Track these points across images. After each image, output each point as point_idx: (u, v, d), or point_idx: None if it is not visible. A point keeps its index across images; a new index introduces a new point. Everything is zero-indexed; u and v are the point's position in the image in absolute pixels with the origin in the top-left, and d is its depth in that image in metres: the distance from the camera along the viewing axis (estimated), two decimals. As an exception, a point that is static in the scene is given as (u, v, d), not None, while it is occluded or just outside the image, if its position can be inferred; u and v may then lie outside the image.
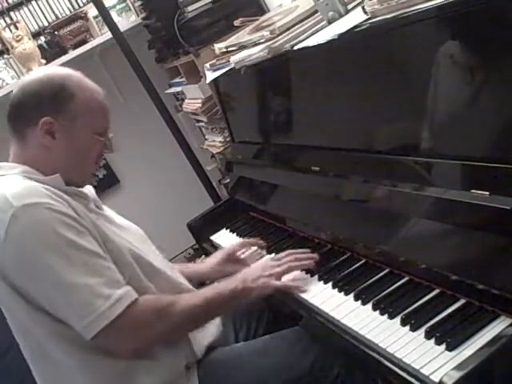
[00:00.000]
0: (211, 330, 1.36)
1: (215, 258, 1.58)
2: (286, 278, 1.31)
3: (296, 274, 1.33)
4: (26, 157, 1.26)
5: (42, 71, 1.31)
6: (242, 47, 1.82)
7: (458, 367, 0.83)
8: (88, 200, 1.31)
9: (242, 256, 1.58)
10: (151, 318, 1.17)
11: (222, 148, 2.54)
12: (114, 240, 1.23)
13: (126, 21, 2.98)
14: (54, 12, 3.07)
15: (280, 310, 1.52)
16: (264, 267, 1.32)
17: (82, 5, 3.10)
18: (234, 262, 1.55)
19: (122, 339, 1.16)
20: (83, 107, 1.26)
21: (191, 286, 1.42)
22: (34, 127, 1.24)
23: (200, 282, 1.62)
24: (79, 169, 1.30)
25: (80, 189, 1.30)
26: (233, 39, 1.97)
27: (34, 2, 3.04)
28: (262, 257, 1.56)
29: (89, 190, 1.37)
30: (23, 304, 1.16)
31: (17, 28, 2.89)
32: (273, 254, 1.50)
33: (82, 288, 1.12)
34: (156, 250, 1.41)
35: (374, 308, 1.09)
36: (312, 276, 1.31)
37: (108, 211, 1.40)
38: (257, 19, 2.05)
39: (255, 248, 1.60)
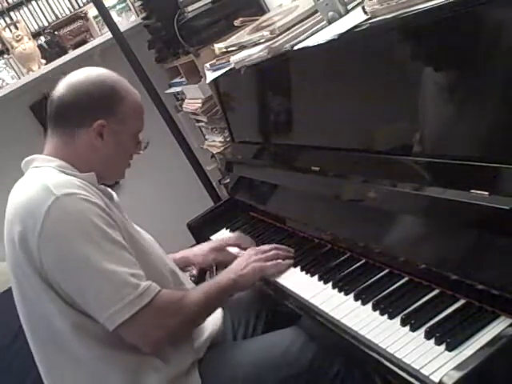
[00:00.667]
0: (211, 328, 1.37)
1: (203, 246, 1.66)
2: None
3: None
4: (67, 152, 1.30)
5: (90, 72, 1.33)
6: (242, 47, 1.82)
7: (457, 367, 0.83)
8: (113, 200, 1.37)
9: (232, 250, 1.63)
10: (171, 309, 1.21)
11: (221, 148, 2.54)
12: (138, 239, 1.30)
13: (125, 21, 2.99)
14: (54, 12, 3.08)
15: (278, 308, 1.53)
16: (248, 255, 1.40)
17: (82, 5, 3.11)
18: (222, 252, 1.63)
19: (145, 330, 1.18)
20: (130, 110, 1.32)
21: (192, 283, 1.46)
22: (87, 128, 1.29)
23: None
24: (117, 167, 1.39)
25: (109, 190, 1.37)
26: (233, 39, 1.97)
27: (33, 2, 3.05)
28: None
29: (114, 194, 1.43)
30: (51, 293, 1.18)
31: (17, 28, 2.89)
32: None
33: (113, 275, 1.15)
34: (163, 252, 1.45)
35: (374, 308, 1.09)
36: (312, 276, 1.31)
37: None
38: (257, 19, 2.05)
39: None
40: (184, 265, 1.62)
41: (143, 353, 1.20)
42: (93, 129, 1.28)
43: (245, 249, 1.55)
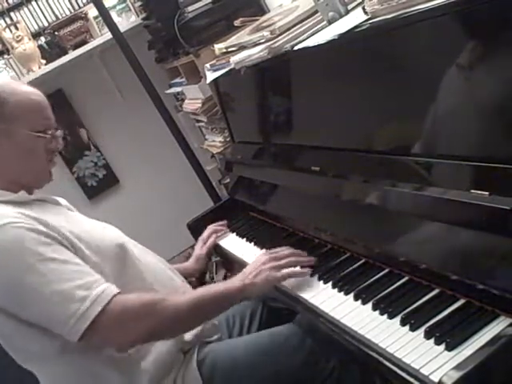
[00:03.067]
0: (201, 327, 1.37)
1: (194, 253, 1.73)
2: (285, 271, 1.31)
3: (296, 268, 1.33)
4: None
5: None
6: (242, 47, 1.82)
7: (457, 367, 0.83)
8: (58, 204, 1.35)
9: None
10: (135, 313, 1.18)
11: (221, 148, 2.54)
12: (92, 235, 1.28)
13: (126, 21, 2.99)
14: (54, 12, 3.08)
15: (273, 306, 1.53)
16: (263, 261, 1.31)
17: (82, 5, 3.10)
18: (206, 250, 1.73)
19: (107, 336, 1.17)
20: (17, 109, 1.29)
21: (186, 284, 1.45)
22: None
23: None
24: (32, 170, 1.33)
25: (51, 197, 1.34)
26: (233, 39, 1.97)
27: (34, 3, 3.04)
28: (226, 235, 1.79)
29: (59, 198, 1.41)
30: (13, 324, 1.19)
31: (17, 28, 2.89)
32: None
33: (56, 296, 1.14)
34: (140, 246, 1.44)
35: (374, 308, 1.09)
36: (312, 276, 1.31)
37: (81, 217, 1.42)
38: (257, 19, 2.05)
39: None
40: (189, 276, 1.64)
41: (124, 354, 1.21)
42: None
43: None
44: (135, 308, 1.18)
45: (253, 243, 1.66)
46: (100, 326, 1.14)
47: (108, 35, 2.77)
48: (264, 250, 1.57)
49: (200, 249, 1.74)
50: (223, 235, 1.82)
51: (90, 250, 1.24)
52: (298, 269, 1.30)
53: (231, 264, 1.76)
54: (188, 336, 1.32)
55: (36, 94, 1.33)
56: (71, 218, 1.33)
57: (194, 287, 1.48)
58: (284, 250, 1.35)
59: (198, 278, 2.39)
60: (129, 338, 1.18)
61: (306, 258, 1.33)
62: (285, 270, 1.29)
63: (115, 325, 1.16)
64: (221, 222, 1.84)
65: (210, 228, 1.81)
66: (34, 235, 1.17)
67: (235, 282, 1.28)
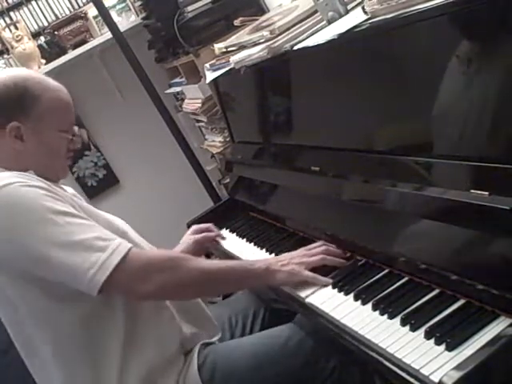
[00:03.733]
0: (214, 333, 1.39)
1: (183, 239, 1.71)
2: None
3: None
4: (1, 158, 1.28)
5: (3, 76, 1.31)
6: (242, 47, 1.82)
7: (457, 367, 0.83)
8: (66, 191, 1.35)
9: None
10: (157, 265, 1.19)
11: (221, 148, 2.54)
12: (99, 215, 1.28)
13: (125, 21, 2.98)
14: (53, 12, 3.08)
15: (275, 307, 1.53)
16: (296, 255, 1.31)
17: (81, 5, 3.10)
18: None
19: (128, 283, 1.17)
20: (48, 108, 1.29)
21: None
22: (3, 132, 1.27)
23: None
24: (51, 166, 1.33)
25: (61, 186, 1.34)
26: (232, 39, 1.97)
27: (33, 2, 3.04)
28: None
29: (68, 188, 1.41)
30: (10, 281, 1.18)
31: (17, 28, 2.89)
32: (273, 254, 1.51)
33: (76, 245, 1.14)
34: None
35: (374, 308, 1.09)
36: (312, 276, 1.31)
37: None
38: (256, 19, 2.05)
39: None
40: None
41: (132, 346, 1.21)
42: (8, 132, 1.26)
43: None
44: (159, 259, 1.21)
45: (253, 243, 1.66)
46: (121, 275, 1.14)
47: (108, 35, 2.77)
48: (263, 251, 1.57)
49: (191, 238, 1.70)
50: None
51: (98, 222, 1.24)
52: (322, 278, 1.25)
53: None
54: (187, 330, 1.32)
55: (64, 92, 1.34)
56: (78, 202, 1.33)
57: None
58: (319, 247, 1.32)
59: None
60: (150, 287, 1.17)
61: (340, 260, 1.29)
62: (310, 273, 1.26)
63: (137, 273, 1.16)
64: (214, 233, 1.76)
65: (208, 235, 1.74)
66: (44, 191, 1.18)
67: (262, 264, 1.28)
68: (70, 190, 1.43)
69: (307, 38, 1.48)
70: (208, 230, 1.75)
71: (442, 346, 0.91)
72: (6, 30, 2.92)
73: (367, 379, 1.21)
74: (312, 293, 1.24)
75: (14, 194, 1.16)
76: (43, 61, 2.90)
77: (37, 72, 1.34)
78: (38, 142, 1.29)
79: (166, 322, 1.30)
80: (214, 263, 1.27)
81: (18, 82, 1.28)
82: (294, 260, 1.28)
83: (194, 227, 1.76)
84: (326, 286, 1.24)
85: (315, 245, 1.34)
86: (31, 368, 1.30)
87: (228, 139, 2.35)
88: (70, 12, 3.07)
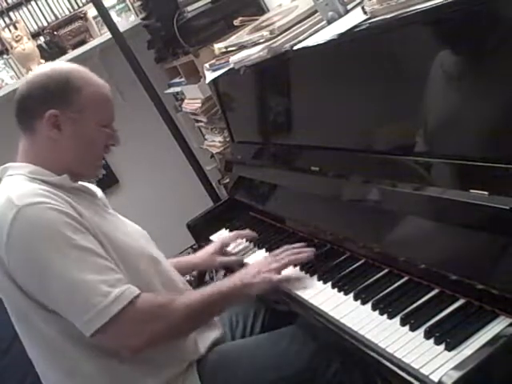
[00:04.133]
0: (215, 329, 1.38)
1: (207, 249, 1.63)
2: (284, 273, 1.32)
3: (294, 271, 1.34)
4: (34, 153, 1.29)
5: (48, 65, 1.33)
6: (242, 47, 1.82)
7: (457, 367, 0.83)
8: (95, 197, 1.35)
9: (234, 250, 1.64)
10: (151, 315, 1.18)
11: (221, 148, 2.54)
12: (120, 239, 1.26)
13: (125, 21, 2.98)
14: (53, 12, 3.08)
15: (275, 308, 1.53)
16: (262, 263, 1.33)
17: (81, 5, 3.10)
18: (224, 254, 1.62)
19: (122, 337, 1.16)
20: (89, 100, 1.29)
21: (188, 286, 1.44)
22: (41, 120, 1.27)
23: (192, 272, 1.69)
24: (86, 161, 1.33)
25: (89, 186, 1.34)
26: (232, 39, 1.97)
27: (33, 2, 3.04)
28: (253, 252, 1.61)
29: (97, 190, 1.41)
30: (31, 303, 1.18)
31: (16, 28, 2.89)
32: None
33: (81, 284, 1.13)
34: (158, 250, 1.43)
35: (374, 308, 1.09)
36: (311, 276, 1.31)
37: (114, 213, 1.42)
38: (256, 19, 2.05)
39: (246, 242, 1.65)
40: (191, 269, 1.63)
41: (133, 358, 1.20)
42: (45, 119, 1.26)
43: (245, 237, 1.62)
44: (151, 310, 1.18)
45: (252, 243, 1.66)
46: (116, 325, 1.13)
47: (107, 35, 2.77)
48: (263, 250, 1.57)
49: (214, 249, 1.63)
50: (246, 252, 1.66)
51: (115, 252, 1.23)
52: (294, 272, 1.31)
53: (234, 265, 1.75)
54: (203, 346, 1.32)
55: (106, 87, 1.34)
56: (105, 216, 1.32)
57: (194, 287, 1.48)
58: (283, 251, 1.36)
59: (197, 277, 2.40)
60: (143, 340, 1.17)
61: (305, 254, 1.33)
62: (281, 276, 1.30)
63: (131, 326, 1.15)
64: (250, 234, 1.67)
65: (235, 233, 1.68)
66: (68, 220, 1.17)
67: (236, 281, 1.28)
68: (99, 193, 1.42)
69: (307, 38, 1.48)
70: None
71: (442, 346, 0.91)
72: (6, 30, 2.92)
73: (369, 383, 1.21)
74: (312, 293, 1.25)
75: (36, 215, 1.15)
76: (43, 61, 2.89)
77: (82, 67, 1.34)
78: (76, 133, 1.28)
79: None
80: (198, 296, 1.25)
81: (60, 73, 1.29)
82: (263, 269, 1.30)
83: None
84: (325, 286, 1.24)
85: (279, 250, 1.37)
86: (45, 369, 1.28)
87: (228, 139, 2.34)
88: (70, 12, 3.07)
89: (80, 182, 1.33)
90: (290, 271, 1.33)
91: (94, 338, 1.14)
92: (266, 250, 1.57)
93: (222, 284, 1.30)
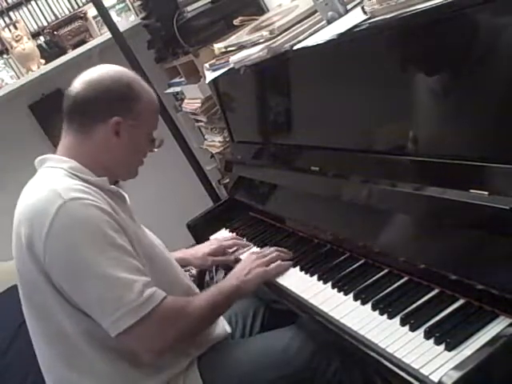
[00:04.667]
0: (217, 328, 1.39)
1: (203, 249, 1.65)
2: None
3: (294, 271, 1.38)
4: (80, 151, 1.30)
5: (107, 68, 1.34)
6: (242, 47, 1.82)
7: (457, 367, 0.83)
8: (126, 203, 1.38)
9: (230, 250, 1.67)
10: (175, 317, 1.20)
11: (221, 148, 2.54)
12: (147, 243, 1.31)
13: (125, 21, 2.98)
14: (53, 12, 3.08)
15: (275, 307, 1.53)
16: (250, 260, 1.39)
17: (81, 5, 3.10)
18: (222, 254, 1.65)
19: (147, 339, 1.17)
20: (146, 108, 1.33)
21: (197, 290, 1.46)
22: (103, 125, 1.28)
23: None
24: (130, 165, 1.37)
25: (121, 191, 1.36)
26: (232, 39, 1.97)
27: (33, 2, 3.04)
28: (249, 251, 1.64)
29: (126, 196, 1.43)
30: (58, 297, 1.19)
31: (16, 28, 2.89)
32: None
33: (116, 281, 1.15)
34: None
35: (374, 308, 1.09)
36: (311, 276, 1.31)
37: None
38: (256, 19, 2.05)
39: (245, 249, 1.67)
40: (183, 264, 1.62)
41: (142, 360, 1.21)
42: (110, 125, 1.28)
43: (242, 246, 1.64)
44: (175, 312, 1.21)
45: (252, 243, 1.66)
46: (143, 326, 1.14)
47: (107, 35, 2.77)
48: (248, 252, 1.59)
49: (210, 250, 1.65)
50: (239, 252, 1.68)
51: (144, 256, 1.25)
52: (284, 262, 1.39)
53: (230, 264, 1.75)
54: (204, 344, 1.34)
55: (153, 94, 1.38)
56: (134, 220, 1.35)
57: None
58: (267, 250, 1.45)
59: (197, 277, 2.39)
60: (166, 343, 1.19)
61: (287, 254, 1.43)
62: (272, 265, 1.38)
63: (157, 328, 1.17)
64: (245, 243, 1.69)
65: (233, 242, 1.69)
66: (108, 218, 1.19)
67: (232, 282, 1.32)
68: (127, 198, 1.43)
69: (307, 37, 1.48)
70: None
71: (442, 346, 0.91)
72: (6, 29, 2.92)
73: (369, 382, 1.21)
74: (312, 293, 1.25)
75: (79, 210, 1.17)
76: (42, 61, 2.90)
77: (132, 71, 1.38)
78: (130, 140, 1.31)
79: None
80: (205, 299, 1.28)
81: (123, 78, 1.31)
82: (253, 264, 1.37)
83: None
84: (325, 286, 1.25)
85: (264, 249, 1.48)
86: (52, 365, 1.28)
87: (228, 139, 2.34)
88: (70, 12, 3.07)
89: (112, 186, 1.34)
90: (277, 263, 1.40)
91: (118, 339, 1.15)
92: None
93: (223, 285, 1.33)
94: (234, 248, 1.66)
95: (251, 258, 1.41)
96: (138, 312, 1.14)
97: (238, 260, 1.58)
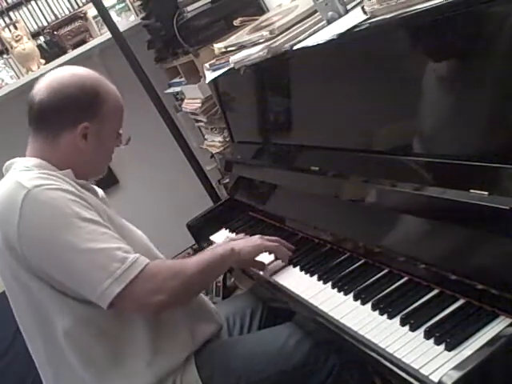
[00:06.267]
0: (211, 323, 1.40)
1: None
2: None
3: (293, 271, 1.38)
4: (47, 153, 1.31)
5: (71, 73, 1.34)
6: (242, 47, 1.82)
7: (457, 367, 0.83)
8: (97, 194, 1.39)
9: None
10: (166, 274, 1.22)
11: (221, 148, 2.54)
12: (125, 226, 1.34)
13: (125, 21, 2.98)
14: (53, 12, 3.08)
15: (272, 306, 1.53)
16: (253, 237, 1.43)
17: (81, 5, 3.10)
18: None
19: (143, 296, 1.18)
20: (112, 110, 1.36)
21: None
22: (71, 131, 1.30)
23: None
24: (98, 163, 1.40)
25: (93, 186, 1.39)
26: (232, 39, 1.97)
27: (33, 2, 3.04)
28: None
29: (99, 190, 1.45)
30: (46, 288, 1.20)
31: (16, 28, 2.89)
32: (272, 255, 1.51)
33: (98, 253, 1.16)
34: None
35: (374, 308, 1.09)
36: (311, 276, 1.31)
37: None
38: (256, 19, 2.05)
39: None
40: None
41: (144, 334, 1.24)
42: (77, 131, 1.30)
43: None
44: (166, 269, 1.23)
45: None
46: (136, 289, 1.16)
47: (107, 35, 2.77)
48: None
49: None
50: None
51: (122, 236, 1.26)
52: (283, 248, 1.42)
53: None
54: (200, 338, 1.34)
55: (117, 93, 1.41)
56: (107, 209, 1.35)
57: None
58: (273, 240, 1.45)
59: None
60: (165, 297, 1.19)
61: (289, 247, 1.44)
62: (272, 241, 1.41)
63: (151, 284, 1.18)
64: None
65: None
66: (73, 197, 1.21)
67: (228, 246, 1.36)
68: (100, 191, 1.45)
69: (307, 37, 1.48)
70: None
71: (442, 346, 0.91)
72: (6, 29, 2.92)
73: (366, 378, 1.22)
74: (312, 293, 1.25)
75: (45, 195, 1.19)
76: (42, 61, 2.90)
77: (96, 73, 1.39)
78: (98, 143, 1.34)
79: (179, 323, 1.32)
80: (200, 258, 1.31)
81: (87, 84, 1.32)
82: (253, 238, 1.42)
83: None
84: (325, 286, 1.24)
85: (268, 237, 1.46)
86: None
87: (228, 139, 2.34)
88: (70, 12, 3.07)
89: (81, 181, 1.34)
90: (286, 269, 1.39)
91: (114, 306, 1.16)
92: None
93: (217, 249, 1.36)
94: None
95: (255, 236, 1.44)
96: (124, 277, 1.15)
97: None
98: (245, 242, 1.40)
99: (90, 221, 1.19)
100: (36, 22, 3.07)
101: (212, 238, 1.89)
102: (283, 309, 1.41)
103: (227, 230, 1.87)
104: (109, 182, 3.18)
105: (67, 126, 1.30)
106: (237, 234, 1.78)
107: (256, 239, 1.41)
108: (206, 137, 2.81)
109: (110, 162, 1.44)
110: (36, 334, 1.27)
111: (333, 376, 1.24)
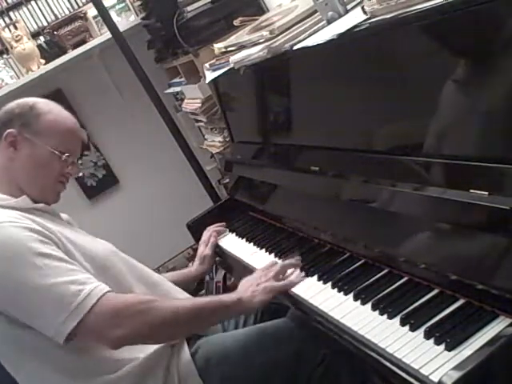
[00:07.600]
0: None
1: (205, 256, 1.75)
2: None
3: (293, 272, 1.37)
4: None
5: (22, 98, 1.43)
6: (242, 47, 1.82)
7: (457, 367, 0.83)
8: (58, 217, 1.40)
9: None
10: (134, 307, 1.19)
11: (221, 148, 2.54)
12: (87, 243, 1.33)
13: (125, 21, 2.98)
14: (53, 12, 3.07)
15: (268, 305, 1.53)
16: (258, 275, 1.36)
17: (81, 5, 3.10)
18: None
19: (101, 329, 1.17)
20: (47, 126, 1.37)
21: (184, 295, 1.47)
22: (2, 141, 1.36)
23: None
24: (39, 183, 1.38)
25: (51, 208, 1.39)
26: (232, 39, 1.97)
27: (33, 2, 3.04)
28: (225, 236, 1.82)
29: (63, 214, 1.46)
30: (16, 324, 1.20)
31: (16, 28, 2.89)
32: (272, 254, 1.51)
33: (50, 288, 1.16)
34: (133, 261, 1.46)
35: (374, 308, 1.09)
36: (311, 276, 1.31)
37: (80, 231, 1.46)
38: (256, 19, 2.05)
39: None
40: (192, 282, 1.71)
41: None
42: (3, 137, 1.35)
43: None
44: (131, 304, 1.20)
45: (252, 243, 1.66)
46: (92, 321, 1.15)
47: (107, 35, 2.77)
48: (263, 250, 1.57)
49: (204, 249, 1.76)
50: (223, 235, 1.83)
51: (83, 256, 1.27)
52: (295, 279, 1.32)
53: (230, 264, 1.75)
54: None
55: (73, 121, 1.43)
56: (68, 229, 1.36)
57: (194, 289, 1.50)
58: (274, 265, 1.39)
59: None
60: (124, 333, 1.17)
61: (296, 262, 1.37)
62: (282, 282, 1.32)
63: (108, 318, 1.16)
64: (219, 224, 1.87)
65: (210, 229, 1.84)
66: (31, 233, 1.21)
67: (232, 295, 1.31)
68: (64, 216, 1.47)
69: (307, 37, 1.47)
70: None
71: (442, 346, 0.91)
72: (6, 29, 2.92)
73: (355, 368, 1.21)
74: (312, 293, 1.25)
75: (4, 234, 1.19)
76: (42, 61, 2.90)
77: (55, 103, 1.44)
78: (31, 154, 1.36)
79: None
80: (189, 302, 1.29)
81: (28, 102, 1.40)
82: (262, 279, 1.33)
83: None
84: (325, 286, 1.24)
85: (269, 264, 1.40)
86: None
87: (227, 139, 2.34)
88: (70, 12, 3.06)
89: (38, 204, 1.36)
90: (289, 279, 1.34)
91: (71, 340, 1.16)
92: (266, 250, 1.57)
93: (222, 295, 1.34)
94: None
95: (259, 273, 1.37)
96: (79, 312, 1.14)
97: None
98: (253, 290, 1.30)
99: (44, 255, 1.18)
100: (36, 22, 3.07)
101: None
102: (279, 307, 1.41)
103: (227, 230, 1.87)
104: (109, 182, 3.18)
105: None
106: (237, 234, 1.78)
107: (264, 283, 1.31)
108: (206, 137, 2.81)
109: (55, 186, 1.41)
110: (25, 363, 1.27)
111: (323, 365, 1.27)
